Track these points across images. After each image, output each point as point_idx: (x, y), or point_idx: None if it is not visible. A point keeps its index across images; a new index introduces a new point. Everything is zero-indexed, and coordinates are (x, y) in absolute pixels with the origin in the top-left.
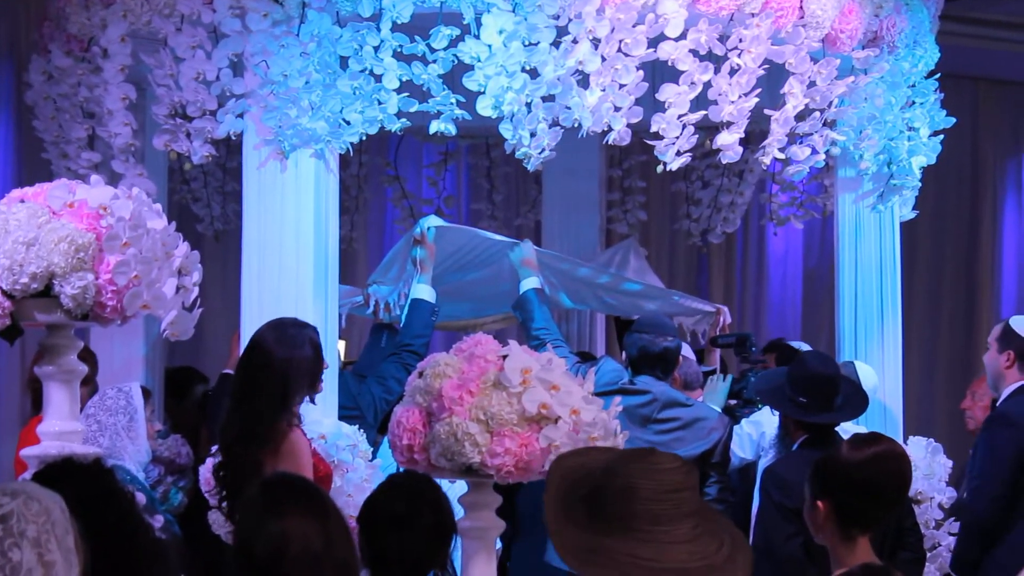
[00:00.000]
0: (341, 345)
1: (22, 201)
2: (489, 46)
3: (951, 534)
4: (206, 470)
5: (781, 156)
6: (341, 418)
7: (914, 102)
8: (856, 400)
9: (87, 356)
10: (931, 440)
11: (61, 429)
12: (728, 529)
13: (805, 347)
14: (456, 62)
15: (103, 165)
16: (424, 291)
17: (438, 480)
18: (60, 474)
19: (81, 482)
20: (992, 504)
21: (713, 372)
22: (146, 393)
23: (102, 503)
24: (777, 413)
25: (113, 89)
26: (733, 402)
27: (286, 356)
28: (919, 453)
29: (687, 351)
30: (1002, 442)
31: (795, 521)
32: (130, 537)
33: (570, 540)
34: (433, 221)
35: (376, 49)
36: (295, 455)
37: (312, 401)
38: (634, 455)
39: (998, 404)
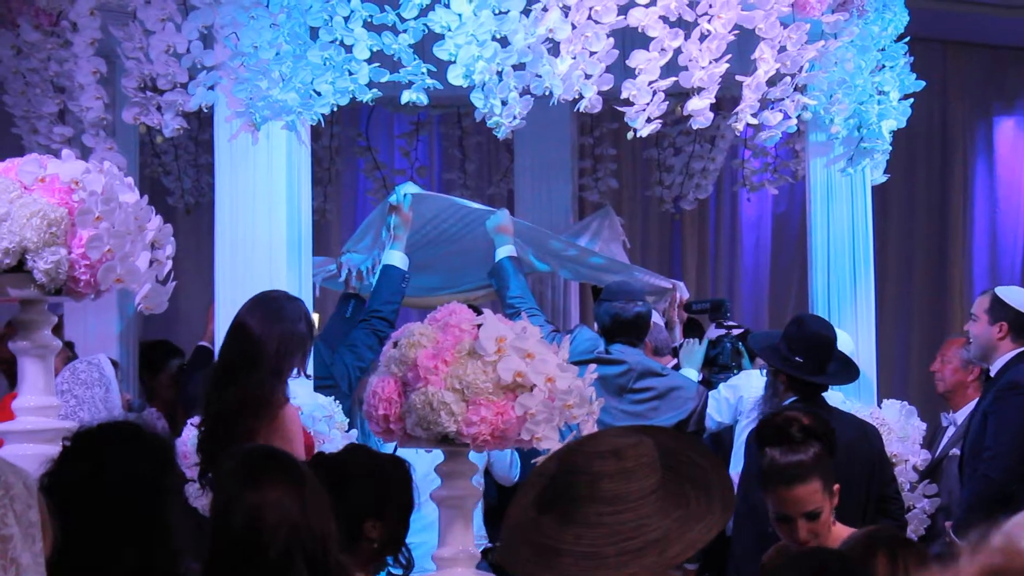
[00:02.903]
0: (315, 318)
1: None
2: (459, 15)
3: (926, 496)
4: (182, 443)
5: (753, 121)
6: (316, 389)
7: (884, 66)
8: (850, 368)
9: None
10: (905, 403)
11: (37, 404)
12: (659, 530)
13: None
14: (426, 31)
15: (74, 139)
16: (396, 257)
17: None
18: (132, 433)
19: (151, 444)
20: (1007, 474)
21: (679, 348)
22: (114, 364)
23: (166, 466)
24: (765, 373)
25: (83, 63)
26: (708, 369)
27: (283, 330)
28: (893, 416)
29: (655, 317)
30: (1016, 411)
31: None
32: (180, 502)
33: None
34: (410, 188)
35: (346, 19)
36: (288, 429)
37: (306, 375)
38: (592, 435)
39: (998, 373)
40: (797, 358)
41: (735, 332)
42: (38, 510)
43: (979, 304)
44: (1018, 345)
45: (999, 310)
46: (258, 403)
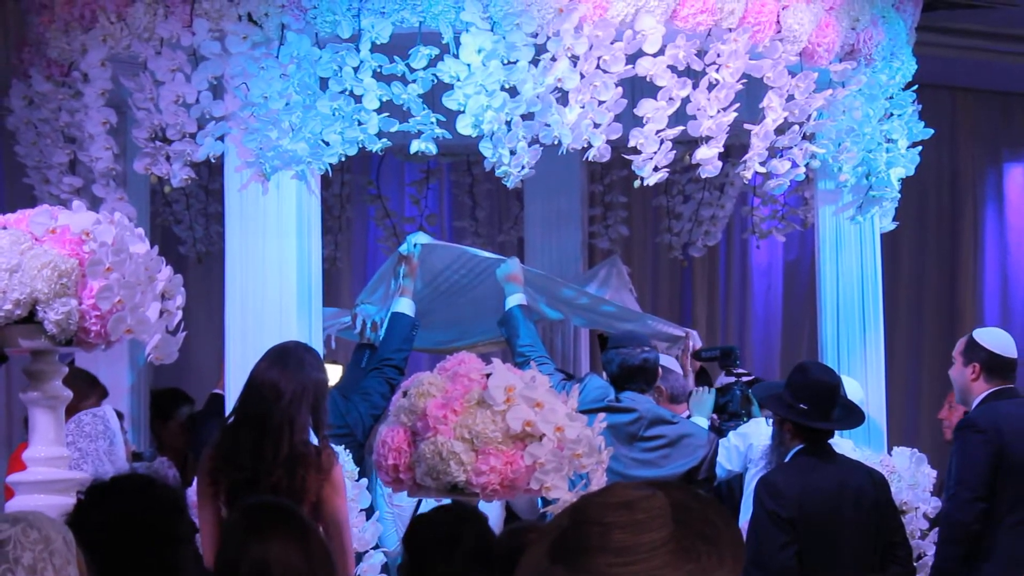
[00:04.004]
0: (337, 370)
1: (4, 228)
2: (468, 65)
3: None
4: (193, 492)
5: (762, 170)
6: (332, 437)
7: (892, 114)
8: (854, 413)
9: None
10: (915, 450)
11: (47, 455)
12: None
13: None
14: (436, 81)
15: (84, 189)
16: (405, 305)
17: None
18: (144, 484)
19: (163, 496)
20: (969, 509)
21: (690, 394)
22: (119, 416)
23: (178, 516)
24: (770, 422)
25: (94, 113)
26: (716, 416)
27: (318, 378)
28: (903, 463)
29: (671, 363)
30: (972, 448)
31: (788, 531)
32: (192, 551)
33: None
34: (420, 238)
35: (356, 70)
36: (341, 481)
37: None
38: (605, 487)
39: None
40: (802, 405)
41: (745, 379)
42: (76, 566)
43: (957, 347)
44: (992, 385)
45: (972, 351)
46: (308, 457)
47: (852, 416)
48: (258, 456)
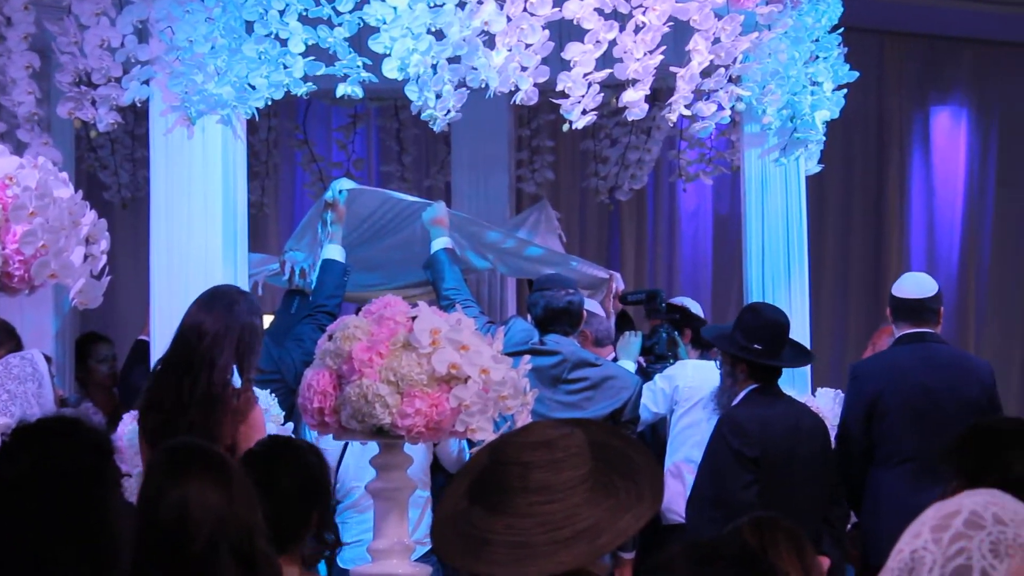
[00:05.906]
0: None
1: None
2: (394, 8)
3: None
4: (117, 438)
5: (687, 113)
6: (262, 383)
7: (817, 56)
8: (804, 352)
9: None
10: (839, 391)
11: None
12: (590, 519)
13: (691, 303)
14: (362, 25)
15: (8, 134)
16: (335, 251)
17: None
18: (72, 426)
19: (92, 438)
20: (843, 452)
21: (617, 338)
22: (47, 359)
23: (106, 458)
24: (719, 366)
25: (16, 58)
26: (643, 359)
27: (248, 322)
28: (827, 404)
29: (595, 307)
30: (848, 395)
31: (753, 469)
32: (117, 491)
33: (447, 505)
34: (345, 184)
35: (281, 13)
36: (259, 424)
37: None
38: (523, 427)
39: None
40: (756, 345)
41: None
42: None
43: None
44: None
45: None
46: (224, 398)
47: (803, 355)
48: (176, 397)
